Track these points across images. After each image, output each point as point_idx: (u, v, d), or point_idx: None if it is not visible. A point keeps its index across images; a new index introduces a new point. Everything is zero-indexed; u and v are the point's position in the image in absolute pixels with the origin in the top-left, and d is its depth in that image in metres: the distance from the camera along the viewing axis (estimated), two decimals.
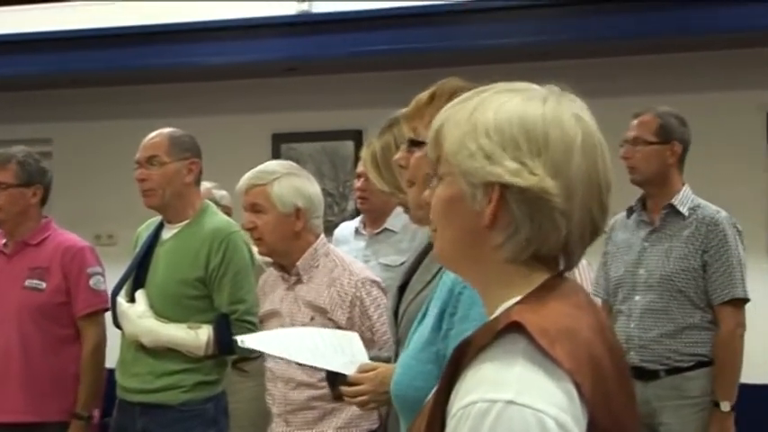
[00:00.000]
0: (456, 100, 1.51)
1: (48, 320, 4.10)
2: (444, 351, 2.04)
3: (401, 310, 2.53)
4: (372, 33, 6.24)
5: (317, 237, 3.61)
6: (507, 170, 1.39)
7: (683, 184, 4.21)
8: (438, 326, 2.11)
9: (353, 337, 3.06)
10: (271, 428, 3.56)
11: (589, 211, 1.43)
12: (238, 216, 3.82)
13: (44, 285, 4.10)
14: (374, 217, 4.63)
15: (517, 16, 6.04)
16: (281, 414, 3.49)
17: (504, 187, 1.40)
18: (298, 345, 2.98)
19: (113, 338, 4.07)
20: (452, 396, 1.36)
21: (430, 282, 2.37)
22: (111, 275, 4.13)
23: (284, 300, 3.56)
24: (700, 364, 4.08)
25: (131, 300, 3.88)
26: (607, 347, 1.43)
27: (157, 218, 3.99)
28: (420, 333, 2.17)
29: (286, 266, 3.59)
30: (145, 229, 4.04)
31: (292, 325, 3.43)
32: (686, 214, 4.14)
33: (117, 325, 3.91)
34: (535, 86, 1.48)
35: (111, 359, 4.04)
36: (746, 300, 4.10)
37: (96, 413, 4.26)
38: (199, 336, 3.77)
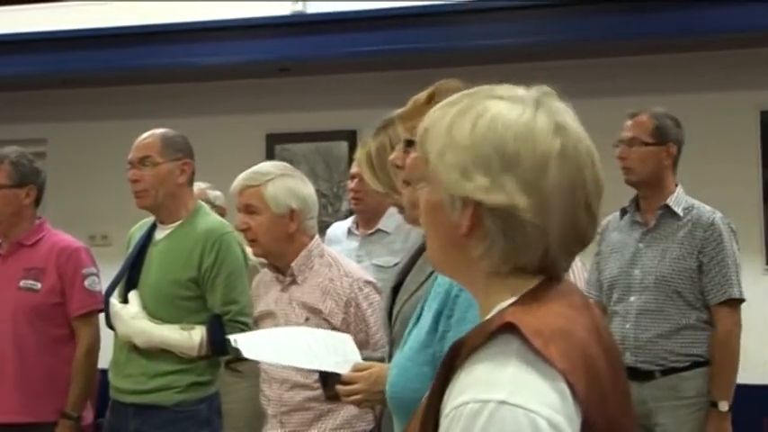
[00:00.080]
0: (442, 103, 1.51)
1: (43, 321, 4.09)
2: (440, 353, 2.04)
3: (395, 311, 2.53)
4: (367, 34, 6.25)
5: (312, 238, 3.60)
6: (478, 187, 1.40)
7: (677, 185, 4.21)
8: (434, 328, 2.11)
9: (346, 339, 3.06)
10: (265, 430, 3.55)
11: (572, 221, 1.43)
12: (232, 217, 3.81)
13: (39, 286, 4.10)
14: (367, 218, 4.63)
15: (514, 16, 6.05)
16: (276, 415, 3.49)
17: (479, 203, 1.40)
18: (290, 346, 2.98)
19: (107, 339, 4.06)
20: (446, 397, 1.36)
21: (424, 282, 2.37)
22: (105, 276, 4.12)
23: (279, 301, 3.56)
24: (695, 365, 4.08)
25: (124, 300, 3.87)
26: (602, 348, 1.43)
27: (150, 218, 3.99)
28: (416, 335, 2.16)
29: (280, 267, 3.58)
30: (137, 230, 4.04)
31: (287, 326, 3.43)
32: (681, 215, 4.14)
33: (110, 326, 3.90)
34: (520, 92, 1.47)
35: (105, 360, 4.03)
36: (742, 300, 4.10)
37: (90, 414, 4.25)
38: (192, 337, 3.76)
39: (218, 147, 6.66)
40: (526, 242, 1.41)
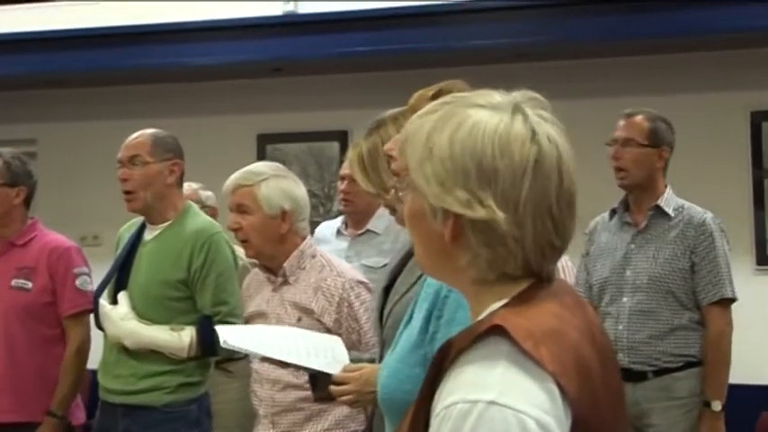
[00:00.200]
0: (421, 111, 1.51)
1: (34, 320, 4.09)
2: (431, 354, 2.03)
3: (386, 312, 2.53)
4: (358, 34, 6.24)
5: (304, 239, 3.60)
6: (458, 200, 1.40)
7: (666, 186, 4.22)
8: (425, 328, 2.11)
9: (336, 341, 3.06)
10: (257, 430, 3.55)
11: (545, 230, 1.43)
12: (224, 217, 3.81)
13: (30, 285, 4.09)
14: (357, 219, 4.62)
15: (508, 17, 6.04)
16: (268, 415, 3.48)
17: (459, 215, 1.41)
18: (279, 343, 2.98)
19: (97, 340, 4.06)
20: (436, 397, 1.37)
21: (414, 283, 2.37)
22: (96, 276, 4.11)
23: (270, 301, 3.56)
24: (688, 365, 4.09)
25: (114, 301, 3.87)
26: (596, 348, 1.44)
27: (139, 219, 3.98)
28: (407, 336, 2.16)
29: (272, 268, 3.58)
30: (126, 230, 4.03)
31: (278, 326, 3.42)
32: (672, 215, 4.15)
33: (99, 327, 3.90)
34: (497, 98, 1.47)
35: (96, 360, 4.02)
36: (734, 299, 4.12)
37: (82, 414, 4.25)
38: (181, 337, 3.75)
39: (209, 147, 6.66)
40: (508, 252, 1.41)
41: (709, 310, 4.09)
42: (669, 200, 4.18)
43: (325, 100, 6.86)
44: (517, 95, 1.47)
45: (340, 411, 3.36)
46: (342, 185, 4.58)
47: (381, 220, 4.45)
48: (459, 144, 1.42)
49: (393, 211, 2.53)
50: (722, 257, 4.09)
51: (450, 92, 2.23)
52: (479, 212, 1.39)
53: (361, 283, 3.51)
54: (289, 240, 3.56)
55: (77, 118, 7.34)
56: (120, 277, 3.90)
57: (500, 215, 1.39)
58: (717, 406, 4.06)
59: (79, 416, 4.22)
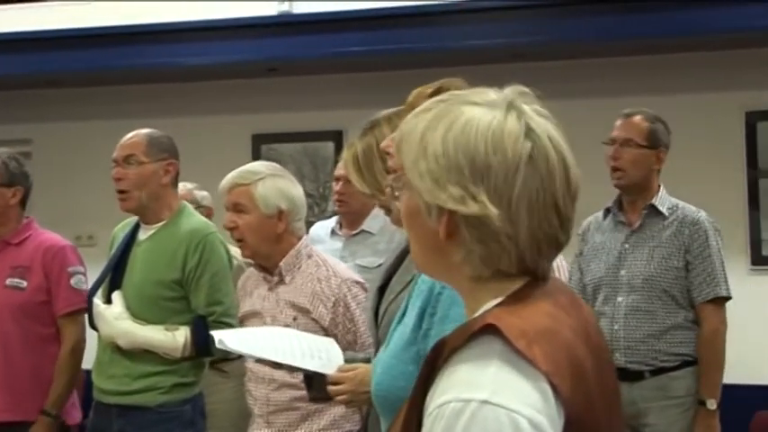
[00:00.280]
0: (418, 109, 1.51)
1: (29, 319, 4.09)
2: (424, 351, 2.04)
3: (381, 311, 2.53)
4: (353, 34, 6.24)
5: (300, 239, 3.60)
6: (451, 196, 1.41)
7: (659, 186, 4.23)
8: (418, 325, 2.12)
9: (330, 342, 3.06)
10: (251, 429, 3.54)
11: (540, 226, 1.43)
12: (220, 217, 3.80)
13: (25, 284, 4.09)
14: (352, 219, 4.62)
15: (503, 17, 6.05)
16: (263, 415, 3.48)
17: (453, 211, 1.41)
18: (274, 344, 2.98)
19: (91, 340, 4.05)
20: (429, 396, 1.37)
21: (410, 282, 2.37)
22: (91, 276, 4.11)
23: (266, 300, 3.55)
24: (685, 364, 4.10)
25: (108, 301, 3.86)
26: (590, 348, 1.44)
27: (133, 218, 3.97)
28: (401, 333, 2.17)
29: (268, 267, 3.58)
30: (120, 230, 4.02)
31: (273, 326, 3.42)
32: (666, 214, 4.16)
33: (93, 326, 3.89)
34: (492, 95, 1.48)
35: (91, 360, 4.02)
36: (728, 298, 4.12)
37: (78, 414, 4.24)
38: (176, 337, 3.75)
39: (204, 147, 6.65)
40: (501, 249, 1.42)
41: (703, 308, 4.10)
42: (663, 199, 4.19)
43: (321, 100, 6.86)
44: (508, 92, 1.48)
45: (335, 411, 3.36)
46: (336, 186, 4.58)
47: (376, 220, 4.45)
48: (452, 141, 1.43)
49: (388, 211, 2.53)
50: (716, 256, 4.10)
51: (448, 89, 2.23)
52: (472, 208, 1.40)
53: (358, 283, 3.50)
54: (285, 240, 3.55)
55: (73, 118, 7.34)
56: (114, 277, 3.89)
57: (493, 211, 1.39)
58: (712, 404, 4.06)
59: (75, 415, 4.22)
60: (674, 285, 4.09)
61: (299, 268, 3.53)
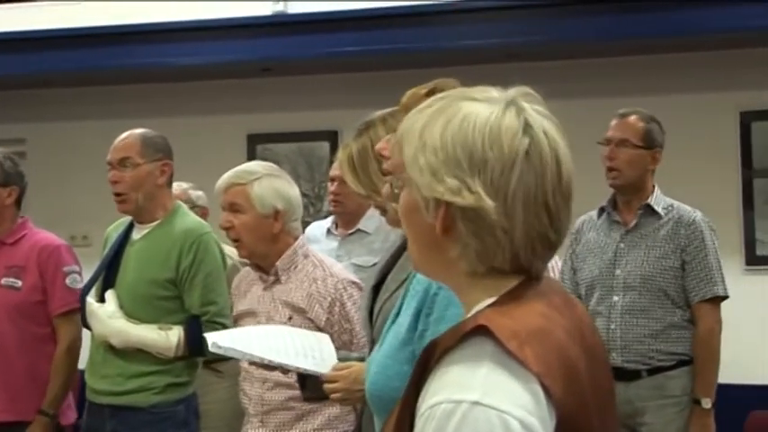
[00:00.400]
0: (418, 107, 1.52)
1: (25, 319, 4.09)
2: (420, 351, 2.04)
3: (376, 310, 2.53)
4: (348, 34, 6.24)
5: (296, 239, 3.60)
6: (448, 188, 1.42)
7: (654, 186, 4.24)
8: (414, 326, 2.11)
9: (324, 339, 3.06)
10: (245, 429, 3.54)
11: (534, 224, 1.43)
12: (215, 217, 3.80)
13: (20, 284, 4.09)
14: (347, 219, 4.62)
15: (498, 17, 6.05)
16: (258, 414, 3.48)
17: (450, 204, 1.42)
18: (268, 345, 2.98)
19: (85, 340, 4.05)
20: (421, 396, 1.37)
21: (405, 281, 2.37)
22: (86, 276, 4.11)
23: (261, 299, 3.55)
24: (681, 363, 4.10)
25: (101, 300, 3.86)
26: (585, 348, 1.44)
27: (127, 218, 3.97)
28: (396, 333, 2.17)
29: (264, 267, 3.58)
30: (114, 230, 4.02)
31: (267, 325, 3.42)
32: (662, 214, 4.16)
33: (86, 325, 3.89)
34: (494, 93, 1.48)
35: (85, 360, 4.01)
36: (724, 297, 4.13)
37: (73, 414, 4.24)
38: (169, 337, 3.74)
39: (199, 147, 6.65)
40: (496, 243, 1.42)
41: (699, 307, 4.11)
42: (658, 199, 4.20)
43: (315, 100, 6.86)
44: (512, 91, 1.49)
45: (330, 411, 3.36)
46: (331, 187, 4.58)
47: (372, 219, 4.45)
48: (450, 135, 1.43)
49: (384, 212, 2.53)
50: (713, 255, 4.11)
51: (443, 90, 2.22)
52: (468, 199, 1.40)
53: (354, 283, 3.50)
54: (281, 240, 3.55)
55: (68, 118, 7.33)
56: (107, 276, 3.89)
57: (488, 202, 1.40)
58: (707, 403, 4.07)
59: (70, 415, 4.22)
60: (671, 285, 4.10)
61: (295, 268, 3.53)
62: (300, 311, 3.43)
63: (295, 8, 6.41)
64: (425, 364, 1.38)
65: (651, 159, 4.21)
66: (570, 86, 6.05)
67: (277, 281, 3.53)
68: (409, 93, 2.44)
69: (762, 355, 5.84)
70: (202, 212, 5.08)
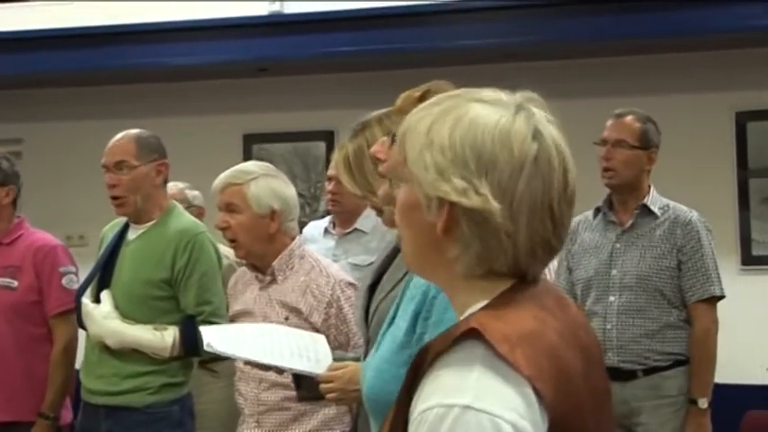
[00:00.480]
0: (425, 104, 1.51)
1: (21, 319, 4.09)
2: None
3: (371, 310, 2.53)
4: (344, 34, 6.24)
5: (293, 239, 3.60)
6: (454, 188, 1.41)
7: (650, 186, 4.24)
8: (412, 329, 2.11)
9: (319, 339, 3.06)
10: (241, 430, 3.54)
11: (538, 229, 1.43)
12: (211, 217, 3.80)
13: (16, 284, 4.09)
14: (345, 218, 4.63)
15: (494, 17, 6.05)
16: (253, 414, 3.48)
17: (454, 204, 1.41)
18: (263, 345, 2.98)
19: (80, 340, 4.05)
20: (413, 401, 1.37)
21: (400, 281, 2.37)
22: (82, 276, 4.10)
23: (258, 299, 3.55)
24: (677, 363, 4.11)
25: (96, 300, 3.85)
26: (579, 349, 1.44)
27: (123, 218, 3.97)
28: (393, 336, 2.16)
29: (260, 267, 3.58)
30: (110, 230, 4.02)
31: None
32: (658, 214, 4.16)
33: (81, 326, 3.89)
34: (503, 95, 1.48)
35: (80, 360, 4.01)
36: (721, 297, 4.14)
37: (69, 414, 4.24)
38: (164, 337, 3.74)
39: (195, 147, 6.64)
40: (499, 246, 1.41)
41: (695, 307, 4.11)
42: (654, 199, 4.20)
43: (312, 100, 6.86)
44: (519, 95, 1.48)
45: (326, 412, 3.36)
46: (329, 186, 4.59)
47: (369, 219, 4.45)
48: (459, 135, 1.42)
49: (380, 212, 2.52)
50: (709, 256, 4.11)
51: (437, 92, 2.22)
52: (474, 201, 1.39)
53: (351, 284, 3.50)
54: (278, 240, 3.55)
55: (64, 117, 7.32)
56: (102, 276, 3.89)
57: (495, 205, 1.39)
58: (703, 403, 4.07)
59: (66, 415, 4.21)
60: (667, 285, 4.10)
61: (291, 268, 3.53)
62: (297, 312, 3.43)
63: (291, 8, 6.40)
64: (418, 368, 1.38)
65: (647, 160, 4.21)
66: (566, 86, 6.05)
67: (273, 281, 3.53)
68: (403, 95, 2.44)
69: (758, 354, 5.84)
70: (199, 212, 5.08)
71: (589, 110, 5.13)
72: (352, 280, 3.56)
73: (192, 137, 6.78)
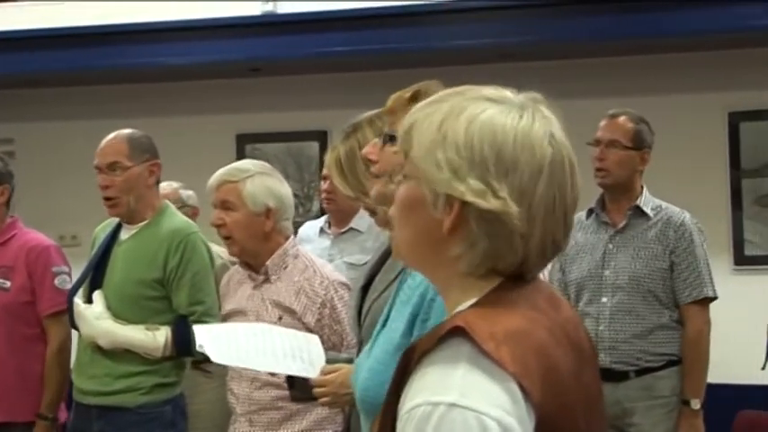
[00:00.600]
0: (428, 100, 1.49)
1: (14, 319, 4.08)
2: None
3: (364, 310, 2.53)
4: (338, 34, 6.23)
5: (287, 239, 3.60)
6: (471, 189, 1.39)
7: (642, 187, 4.24)
8: (409, 332, 2.10)
9: (312, 339, 3.06)
10: (233, 429, 3.54)
11: (552, 231, 1.43)
12: (205, 216, 3.79)
13: (9, 284, 4.08)
14: (340, 217, 4.63)
15: (489, 17, 6.04)
16: (245, 414, 3.47)
17: (465, 203, 1.39)
18: (256, 348, 2.98)
19: (73, 340, 4.04)
20: (401, 400, 1.37)
21: (393, 281, 2.37)
22: (75, 276, 4.10)
23: (251, 299, 3.54)
24: (669, 364, 4.11)
25: (88, 301, 3.85)
26: (571, 347, 1.44)
27: (115, 218, 3.96)
28: (389, 338, 2.15)
29: (254, 266, 3.57)
30: (102, 230, 4.02)
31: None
32: (651, 215, 4.17)
33: (74, 326, 3.88)
34: (510, 96, 1.47)
35: (73, 360, 4.01)
36: (713, 298, 4.14)
37: (65, 413, 4.23)
38: (156, 337, 3.74)
39: (188, 147, 6.64)
40: (509, 248, 1.41)
41: (687, 308, 4.12)
42: (647, 200, 4.21)
43: (305, 100, 6.85)
44: (522, 96, 1.47)
45: (318, 412, 3.35)
46: (324, 185, 4.59)
47: (364, 218, 4.44)
48: (477, 133, 1.40)
49: (373, 213, 2.52)
50: (701, 257, 4.12)
51: (427, 93, 2.22)
52: (492, 203, 1.38)
53: (344, 284, 3.50)
54: (272, 239, 3.55)
55: (56, 117, 7.30)
56: (95, 276, 3.88)
57: (514, 208, 1.38)
58: (696, 404, 4.08)
59: (61, 414, 4.20)
60: (659, 286, 4.10)
61: (285, 268, 3.53)
62: (290, 312, 3.43)
63: (284, 8, 6.39)
64: (405, 366, 1.38)
65: (640, 160, 4.22)
66: (562, 86, 5.96)
67: (267, 280, 3.53)
68: (394, 96, 2.43)
69: (750, 354, 5.82)
70: (193, 212, 5.08)
71: (583, 110, 5.12)
72: (345, 280, 3.56)
73: (185, 137, 6.77)
